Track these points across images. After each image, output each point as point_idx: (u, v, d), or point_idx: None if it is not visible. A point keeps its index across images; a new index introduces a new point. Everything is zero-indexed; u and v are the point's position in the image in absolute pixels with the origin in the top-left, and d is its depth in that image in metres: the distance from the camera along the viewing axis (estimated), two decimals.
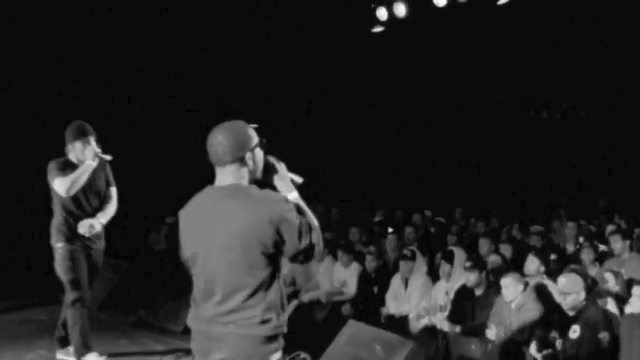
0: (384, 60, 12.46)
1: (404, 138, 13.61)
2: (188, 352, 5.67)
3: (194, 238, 2.66)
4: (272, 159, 2.77)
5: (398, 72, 12.83)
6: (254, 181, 2.70)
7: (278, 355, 2.63)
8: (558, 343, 4.83)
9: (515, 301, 5.34)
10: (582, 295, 4.87)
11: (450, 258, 6.41)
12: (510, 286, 5.29)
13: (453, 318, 5.78)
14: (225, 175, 2.65)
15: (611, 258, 6.82)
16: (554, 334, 4.90)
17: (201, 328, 2.64)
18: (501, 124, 13.87)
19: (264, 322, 2.55)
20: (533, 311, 5.25)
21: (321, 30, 11.33)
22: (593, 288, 5.43)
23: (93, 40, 10.06)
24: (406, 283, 6.64)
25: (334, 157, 13.12)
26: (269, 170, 2.76)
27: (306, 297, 7.25)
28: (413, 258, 6.69)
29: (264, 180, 2.77)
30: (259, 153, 2.72)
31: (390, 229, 9.09)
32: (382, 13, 9.99)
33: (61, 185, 4.97)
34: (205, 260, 2.61)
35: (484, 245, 7.31)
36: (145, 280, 7.74)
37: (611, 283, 5.54)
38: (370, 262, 7.17)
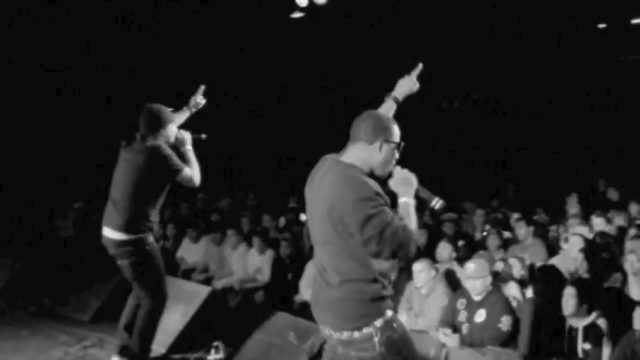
0: (302, 46, 12.44)
1: (318, 126, 13.64)
2: (95, 342, 5.53)
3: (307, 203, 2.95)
4: (402, 172, 2.89)
5: (316, 59, 12.83)
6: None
7: None
8: (465, 328, 5.00)
9: (425, 286, 5.47)
10: (489, 280, 5.06)
11: None
12: (423, 272, 5.41)
13: None
14: (351, 151, 2.86)
15: (515, 244, 7.11)
16: (461, 318, 5.06)
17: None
18: (414, 112, 14.11)
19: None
20: (442, 296, 5.39)
21: (239, 14, 11.17)
22: (498, 273, 5.64)
23: None
24: None
25: (249, 143, 13.01)
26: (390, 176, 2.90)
27: (219, 284, 7.17)
28: None
29: (386, 181, 2.90)
30: (392, 151, 2.88)
31: (304, 216, 9.10)
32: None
33: (195, 174, 4.43)
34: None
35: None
36: (50, 267, 7.39)
37: (517, 269, 5.76)
38: (285, 249, 7.16)
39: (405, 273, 5.80)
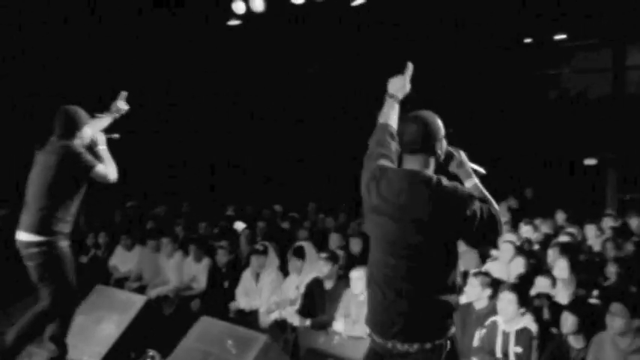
0: (238, 54, 12.41)
1: (252, 133, 13.63)
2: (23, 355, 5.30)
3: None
4: (451, 148, 2.90)
5: (256, 65, 12.82)
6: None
7: None
8: None
9: (362, 294, 5.52)
10: None
11: (300, 253, 6.52)
12: (361, 279, 5.44)
13: (303, 312, 5.89)
14: (413, 163, 2.79)
15: None
16: None
17: None
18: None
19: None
20: None
21: (177, 21, 11.04)
22: None
23: None
24: (257, 278, 6.65)
25: (186, 151, 12.85)
26: (449, 159, 2.89)
27: (153, 292, 7.06)
28: (265, 253, 6.73)
29: (445, 167, 2.90)
30: (444, 143, 2.86)
31: (240, 225, 9.06)
32: (239, 6, 9.91)
33: (110, 171, 4.36)
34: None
35: (334, 240, 7.50)
36: None
37: None
38: (222, 257, 7.10)
39: (343, 280, 5.86)
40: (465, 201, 2.67)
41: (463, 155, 2.93)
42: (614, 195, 12.24)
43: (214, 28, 11.25)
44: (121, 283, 7.55)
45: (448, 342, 2.73)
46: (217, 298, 6.77)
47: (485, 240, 3.01)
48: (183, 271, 7.38)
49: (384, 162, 2.89)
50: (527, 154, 12.80)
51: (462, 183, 2.86)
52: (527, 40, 15.03)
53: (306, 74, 13.81)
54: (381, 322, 2.80)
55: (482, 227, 2.69)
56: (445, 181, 2.71)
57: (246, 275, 6.74)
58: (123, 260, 8.08)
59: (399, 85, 3.14)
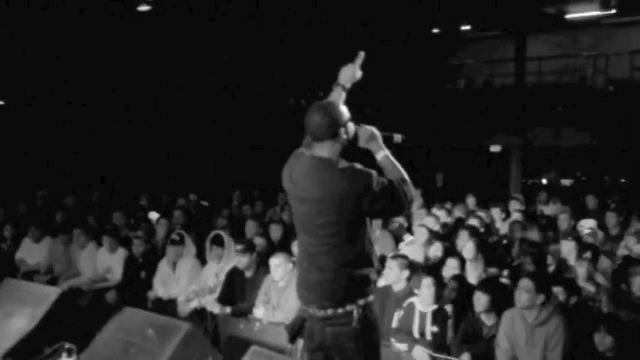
0: (148, 39, 12.12)
1: (164, 119, 13.36)
2: None
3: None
4: (358, 127, 3.07)
5: (160, 51, 12.55)
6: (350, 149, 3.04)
7: None
8: None
9: (282, 280, 5.57)
10: None
11: (219, 241, 6.48)
12: (280, 266, 5.50)
13: (223, 300, 5.87)
14: (322, 149, 2.96)
15: None
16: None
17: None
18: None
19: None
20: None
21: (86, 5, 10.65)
22: None
23: None
24: (174, 267, 6.57)
25: (95, 139, 12.45)
26: (357, 138, 3.07)
27: (65, 285, 6.81)
28: (182, 242, 6.64)
29: (356, 145, 3.08)
30: (351, 126, 3.03)
31: (154, 214, 8.89)
32: None
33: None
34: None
35: (251, 228, 7.50)
36: None
37: None
38: (138, 247, 6.96)
39: (263, 267, 5.88)
40: (364, 180, 2.87)
41: (373, 130, 3.10)
42: (518, 179, 12.85)
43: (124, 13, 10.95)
44: (29, 276, 7.25)
45: (360, 309, 2.95)
46: (134, 288, 6.63)
47: (390, 212, 3.25)
48: (96, 262, 7.17)
49: (302, 149, 3.12)
50: (437, 141, 13.22)
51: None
52: (435, 31, 15.50)
53: (222, 61, 13.64)
54: (301, 292, 3.11)
55: (385, 201, 2.90)
56: (345, 164, 2.93)
57: (163, 265, 6.63)
58: (30, 253, 7.75)
59: (349, 75, 3.25)
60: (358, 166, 2.94)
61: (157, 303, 6.40)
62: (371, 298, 3.02)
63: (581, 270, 5.48)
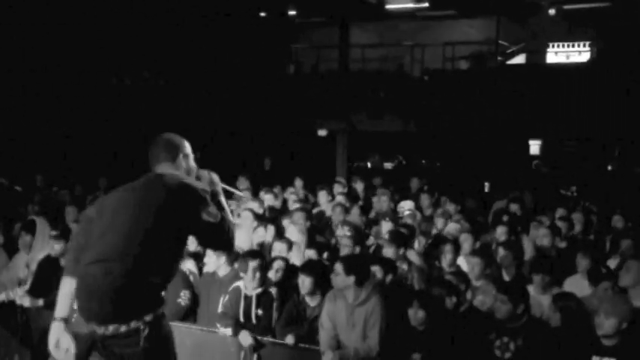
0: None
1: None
2: None
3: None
4: (201, 171, 3.20)
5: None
6: None
7: None
8: None
9: None
10: None
11: (31, 228, 6.01)
12: None
13: (35, 291, 5.46)
14: (161, 169, 3.03)
15: None
16: None
17: None
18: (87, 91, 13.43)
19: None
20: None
21: None
22: None
23: None
24: None
25: None
26: (200, 179, 3.14)
27: None
28: None
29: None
30: (189, 160, 3.13)
31: None
32: None
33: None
34: None
35: (70, 213, 7.11)
36: None
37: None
38: None
39: None
40: (196, 200, 2.90)
41: (214, 176, 3.19)
42: (343, 163, 13.29)
43: None
44: None
45: (147, 327, 2.69)
46: None
47: (217, 244, 3.28)
48: None
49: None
50: (265, 126, 13.29)
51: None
52: (263, 14, 15.55)
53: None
54: (84, 303, 2.77)
55: (209, 229, 2.91)
56: (171, 180, 2.94)
57: None
58: None
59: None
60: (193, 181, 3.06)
61: None
62: (160, 311, 2.79)
63: (389, 250, 5.69)
